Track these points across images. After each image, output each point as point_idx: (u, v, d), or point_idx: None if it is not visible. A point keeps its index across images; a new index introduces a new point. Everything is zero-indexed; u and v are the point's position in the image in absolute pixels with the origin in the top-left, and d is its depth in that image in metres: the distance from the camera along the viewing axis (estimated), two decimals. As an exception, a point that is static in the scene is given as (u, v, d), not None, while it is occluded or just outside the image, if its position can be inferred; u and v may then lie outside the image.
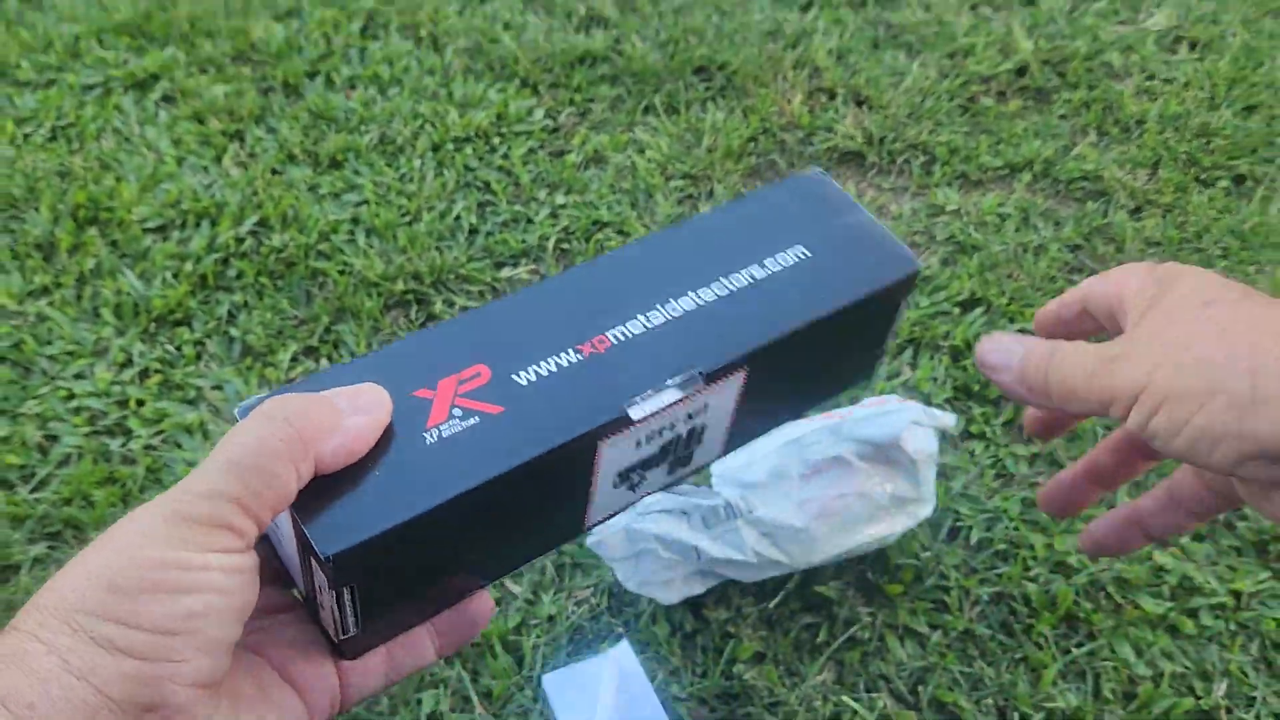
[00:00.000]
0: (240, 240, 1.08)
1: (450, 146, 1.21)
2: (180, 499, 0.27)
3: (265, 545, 0.34)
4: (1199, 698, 0.77)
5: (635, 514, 0.77)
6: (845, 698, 0.76)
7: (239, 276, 1.05)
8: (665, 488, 0.40)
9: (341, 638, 0.32)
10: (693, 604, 0.80)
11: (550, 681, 0.75)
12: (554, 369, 0.34)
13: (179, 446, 0.91)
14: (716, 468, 0.80)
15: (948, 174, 1.20)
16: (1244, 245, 1.12)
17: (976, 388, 0.97)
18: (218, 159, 1.19)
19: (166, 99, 1.27)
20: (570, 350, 0.35)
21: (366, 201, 1.13)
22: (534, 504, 0.34)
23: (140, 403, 0.93)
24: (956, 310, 1.04)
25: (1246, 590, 0.83)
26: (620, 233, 1.11)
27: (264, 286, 1.04)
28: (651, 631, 0.79)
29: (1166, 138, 1.25)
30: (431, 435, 0.32)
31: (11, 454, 0.88)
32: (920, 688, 0.77)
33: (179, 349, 0.98)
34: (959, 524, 0.87)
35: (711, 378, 0.35)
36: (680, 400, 0.34)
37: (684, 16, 1.41)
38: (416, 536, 0.30)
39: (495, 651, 0.77)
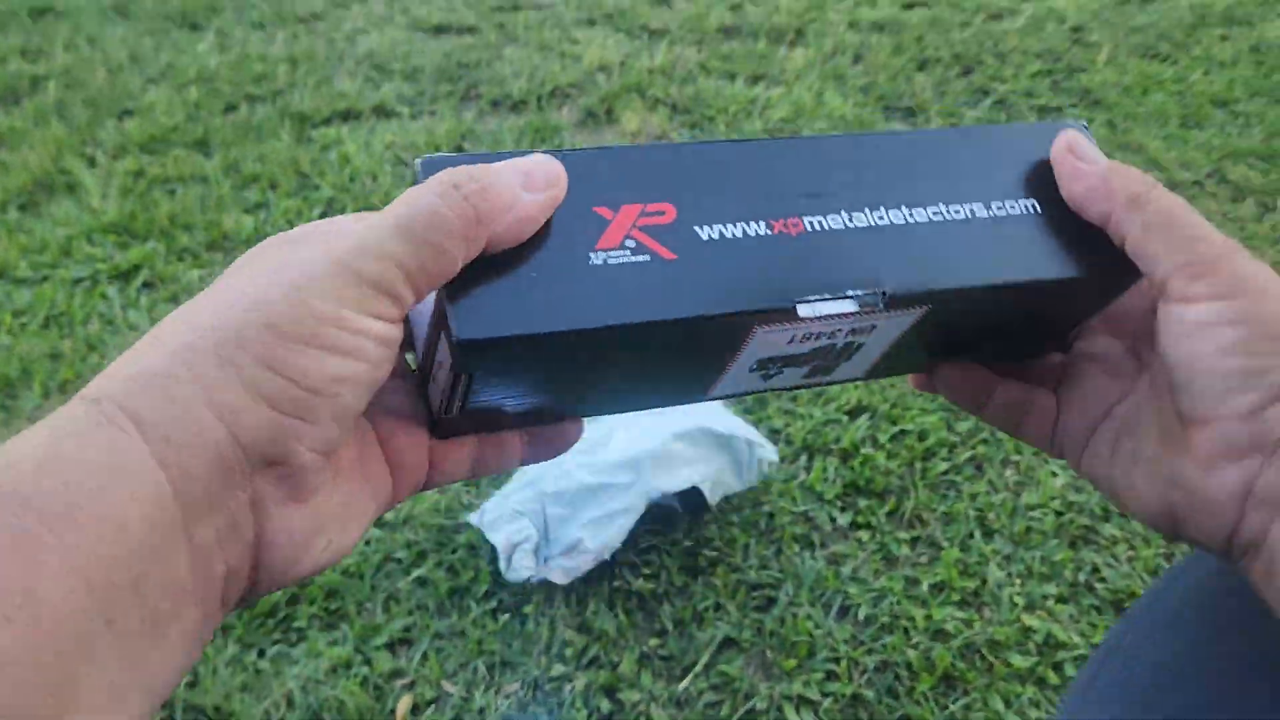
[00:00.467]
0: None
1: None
2: (349, 252, 0.26)
3: None
4: (1063, 740, 0.86)
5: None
6: (746, 762, 0.85)
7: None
8: (796, 388, 0.38)
9: (443, 416, 0.32)
10: (606, 687, 0.89)
11: None
12: (739, 234, 0.32)
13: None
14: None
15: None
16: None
17: (863, 484, 1.09)
18: (192, 334, 1.34)
19: (147, 285, 1.43)
20: (761, 222, 0.32)
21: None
22: (670, 359, 0.33)
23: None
24: (845, 418, 1.17)
25: (1104, 642, 0.93)
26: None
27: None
28: (571, 715, 0.88)
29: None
30: (598, 257, 0.30)
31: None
32: (814, 749, 0.86)
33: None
34: (848, 603, 0.98)
35: (892, 303, 0.33)
36: (852, 314, 0.32)
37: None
38: (548, 351, 0.29)
39: (431, 743, 0.86)
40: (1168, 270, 0.31)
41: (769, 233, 0.32)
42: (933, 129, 0.37)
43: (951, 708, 0.88)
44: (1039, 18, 2.09)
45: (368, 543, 1.02)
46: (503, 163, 0.29)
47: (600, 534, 0.96)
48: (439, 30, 2.17)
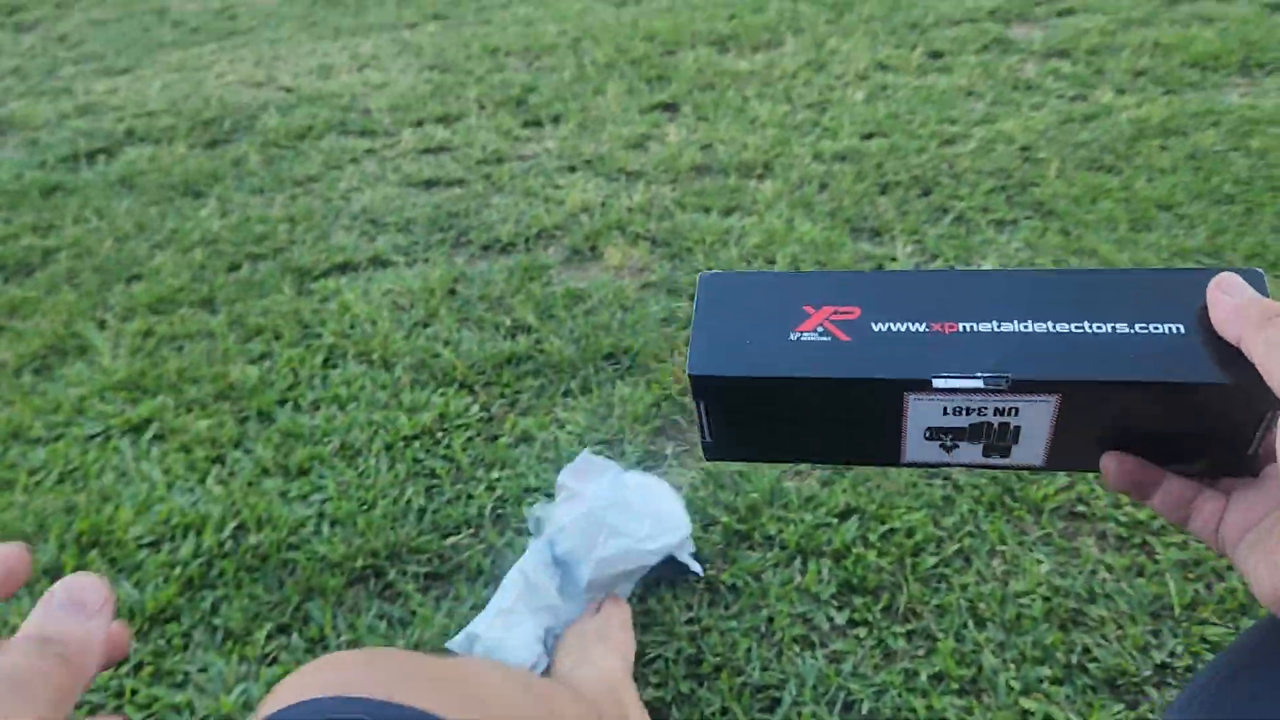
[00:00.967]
0: (222, 544, 1.26)
1: (401, 444, 1.42)
2: None
3: None
4: (1071, 819, 0.87)
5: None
6: None
7: (220, 574, 1.22)
8: (984, 467, 0.45)
9: (705, 440, 0.46)
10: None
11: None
12: (903, 330, 0.42)
13: (168, 725, 1.03)
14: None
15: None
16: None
17: (857, 582, 1.13)
18: (202, 480, 1.39)
19: (158, 437, 1.49)
20: (923, 323, 0.42)
21: (330, 498, 1.32)
22: (850, 416, 0.44)
23: (134, 691, 1.07)
24: (835, 521, 1.21)
25: (1101, 720, 0.95)
26: (548, 495, 1.30)
27: (242, 579, 1.20)
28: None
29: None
30: (795, 336, 0.43)
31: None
32: (828, 845, 0.87)
33: (169, 642, 1.13)
34: (851, 699, 1.00)
35: (1018, 387, 0.40)
36: (981, 390, 0.41)
37: (592, 315, 1.69)
38: (749, 389, 0.43)
39: None
40: None
41: (927, 330, 0.42)
42: (1106, 269, 0.43)
43: (959, 795, 0.90)
44: (989, 140, 2.24)
45: None
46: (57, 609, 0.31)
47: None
48: (429, 184, 2.31)
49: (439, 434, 1.44)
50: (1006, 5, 3.17)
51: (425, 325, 1.72)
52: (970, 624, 1.07)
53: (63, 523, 1.31)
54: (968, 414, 0.42)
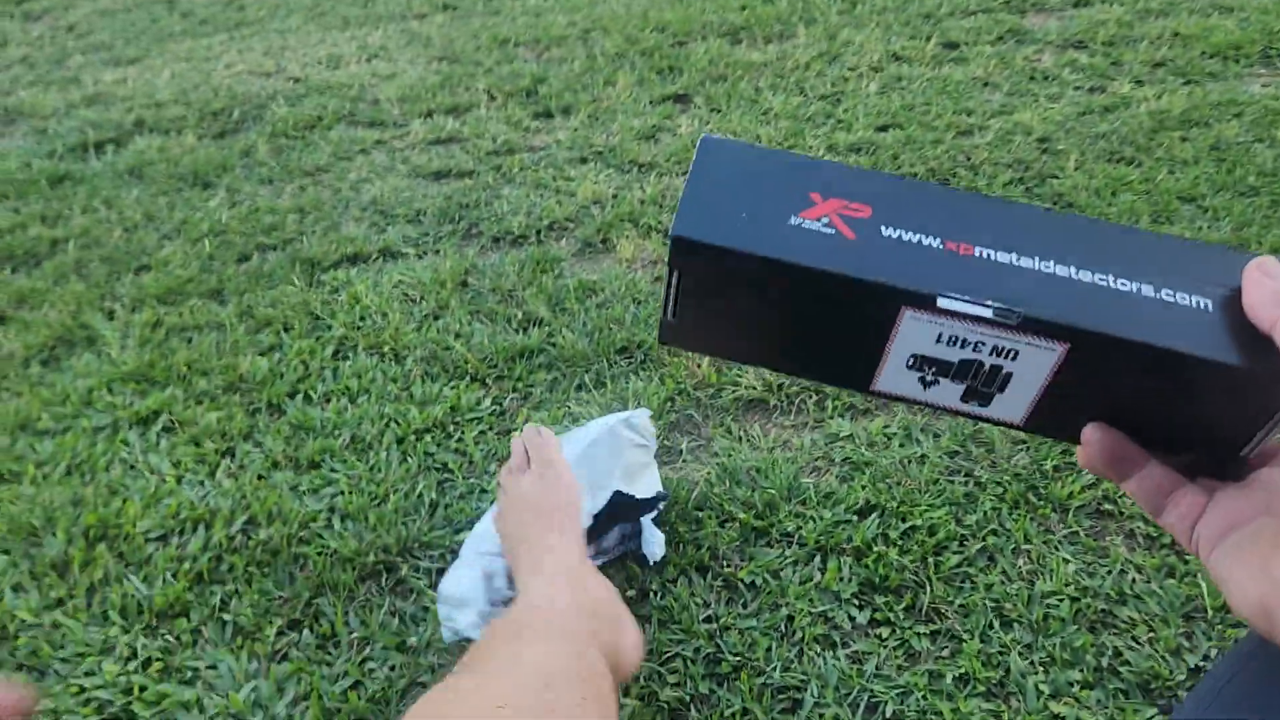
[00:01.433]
0: (231, 539, 1.24)
1: (412, 437, 1.40)
2: None
3: None
4: (1103, 826, 0.85)
5: None
6: None
7: (230, 569, 1.20)
8: (957, 413, 0.42)
9: (666, 320, 0.42)
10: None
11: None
12: (914, 240, 0.38)
13: (177, 723, 1.01)
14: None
15: (839, 406, 1.39)
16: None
17: (879, 581, 1.10)
18: (212, 473, 1.37)
19: (167, 429, 1.47)
20: (937, 238, 0.38)
21: (341, 492, 1.30)
22: (831, 324, 0.39)
23: (143, 688, 1.05)
24: (855, 518, 1.19)
25: (1133, 725, 0.93)
26: (562, 490, 1.28)
27: (252, 575, 1.18)
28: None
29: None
30: (796, 221, 0.38)
31: (27, 748, 0.98)
32: None
33: (178, 638, 1.11)
34: (875, 701, 0.98)
35: (1027, 326, 0.36)
36: (987, 322, 0.37)
37: (605, 308, 1.66)
38: (731, 267, 0.38)
39: None
40: None
41: (940, 246, 0.38)
42: (1141, 229, 0.40)
43: (987, 800, 0.88)
44: (1006, 131, 2.20)
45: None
46: None
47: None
48: (439, 176, 2.28)
49: (450, 427, 1.42)
50: (1022, -4, 3.13)
51: (436, 317, 1.70)
52: (996, 625, 1.04)
53: (70, 516, 1.29)
54: (962, 347, 0.38)
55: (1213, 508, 0.39)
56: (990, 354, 0.38)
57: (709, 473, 1.29)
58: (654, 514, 1.14)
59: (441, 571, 1.18)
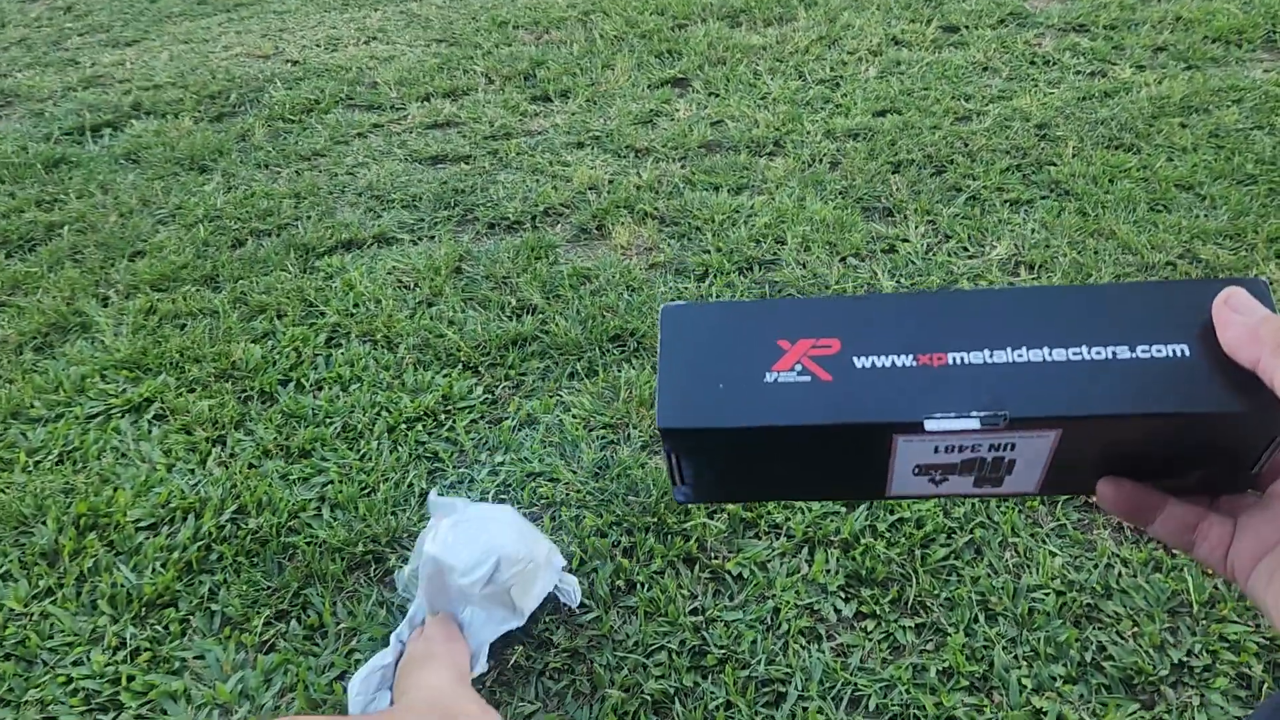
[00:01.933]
0: (221, 528, 1.24)
1: (404, 426, 1.40)
2: None
3: None
4: (1082, 822, 0.85)
5: None
6: None
7: (219, 559, 1.20)
8: (973, 496, 0.42)
9: (678, 487, 0.43)
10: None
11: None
12: (889, 365, 0.39)
13: (164, 713, 1.02)
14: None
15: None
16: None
17: (865, 574, 1.11)
18: (202, 462, 1.37)
19: (158, 417, 1.47)
20: (910, 356, 0.39)
21: (331, 481, 1.30)
22: (832, 459, 0.40)
23: (131, 678, 1.05)
24: (843, 510, 1.19)
25: (1115, 720, 0.93)
26: (551, 480, 1.28)
27: (241, 565, 1.19)
28: (587, 823, 0.87)
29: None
30: (771, 377, 0.39)
31: (16, 737, 0.99)
32: (833, 845, 0.85)
33: (166, 628, 1.11)
34: (858, 694, 0.98)
35: (1015, 425, 0.37)
36: (976, 430, 0.37)
37: (599, 296, 1.66)
38: (722, 441, 0.39)
39: None
40: None
41: (915, 363, 0.38)
42: (1098, 285, 0.40)
43: (967, 795, 0.88)
44: (1005, 117, 2.19)
45: None
46: None
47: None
48: (435, 160, 2.27)
49: (442, 416, 1.42)
50: (1025, -22, 3.10)
51: (430, 304, 1.69)
52: (981, 618, 1.05)
53: (61, 504, 1.29)
54: (960, 451, 0.39)
55: (1240, 534, 0.40)
56: (989, 450, 0.39)
57: (698, 463, 1.28)
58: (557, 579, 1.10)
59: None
